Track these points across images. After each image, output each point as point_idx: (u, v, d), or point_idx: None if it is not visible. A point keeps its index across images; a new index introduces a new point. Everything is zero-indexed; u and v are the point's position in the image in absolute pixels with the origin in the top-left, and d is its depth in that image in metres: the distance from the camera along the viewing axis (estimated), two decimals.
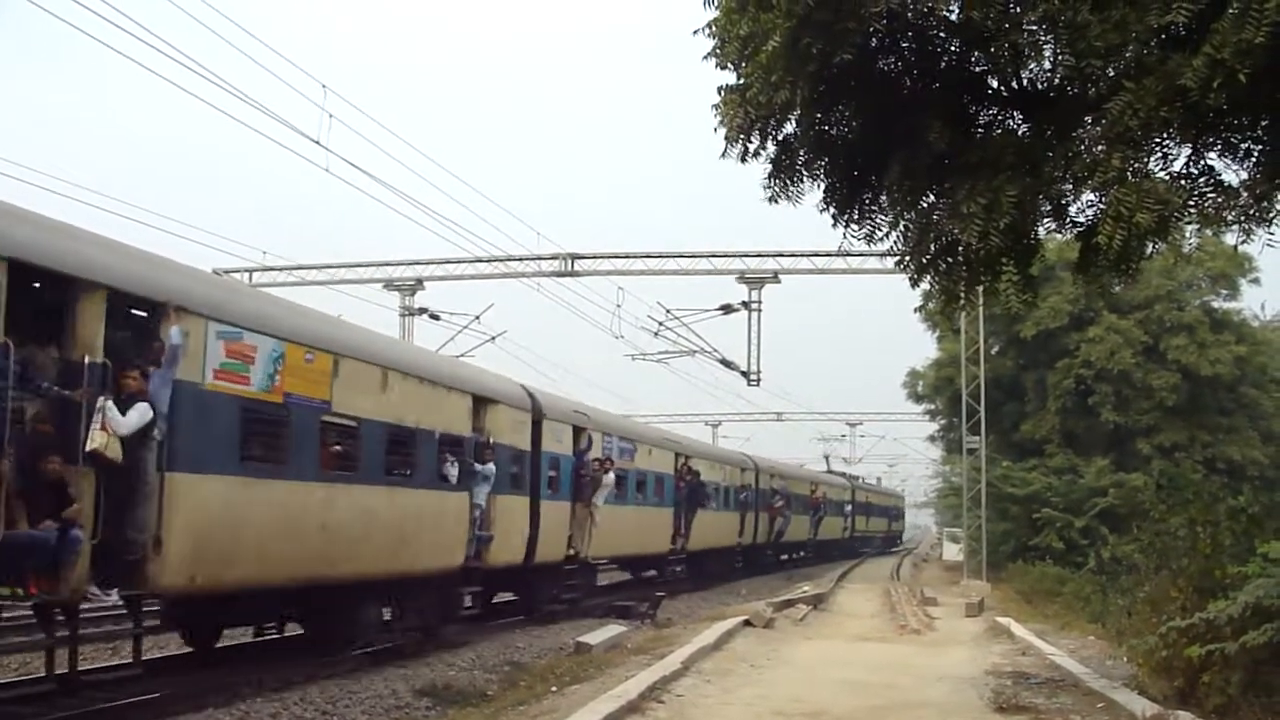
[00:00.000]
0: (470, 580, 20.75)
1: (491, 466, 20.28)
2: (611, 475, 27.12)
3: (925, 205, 11.02)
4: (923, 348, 62.34)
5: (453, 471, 19.25)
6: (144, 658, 13.38)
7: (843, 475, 73.07)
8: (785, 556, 53.98)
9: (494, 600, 25.02)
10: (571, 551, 25.67)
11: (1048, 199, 10.30)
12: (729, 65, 10.51)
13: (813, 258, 33.40)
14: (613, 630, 20.50)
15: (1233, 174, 9.61)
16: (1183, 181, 9.37)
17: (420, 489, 18.23)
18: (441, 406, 19.12)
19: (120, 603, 12.31)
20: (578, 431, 26.25)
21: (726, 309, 35.61)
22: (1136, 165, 8.96)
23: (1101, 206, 9.29)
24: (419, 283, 38.02)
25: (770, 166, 11.32)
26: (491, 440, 20.76)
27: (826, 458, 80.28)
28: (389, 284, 38.07)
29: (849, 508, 68.18)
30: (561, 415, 25.49)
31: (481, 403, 20.91)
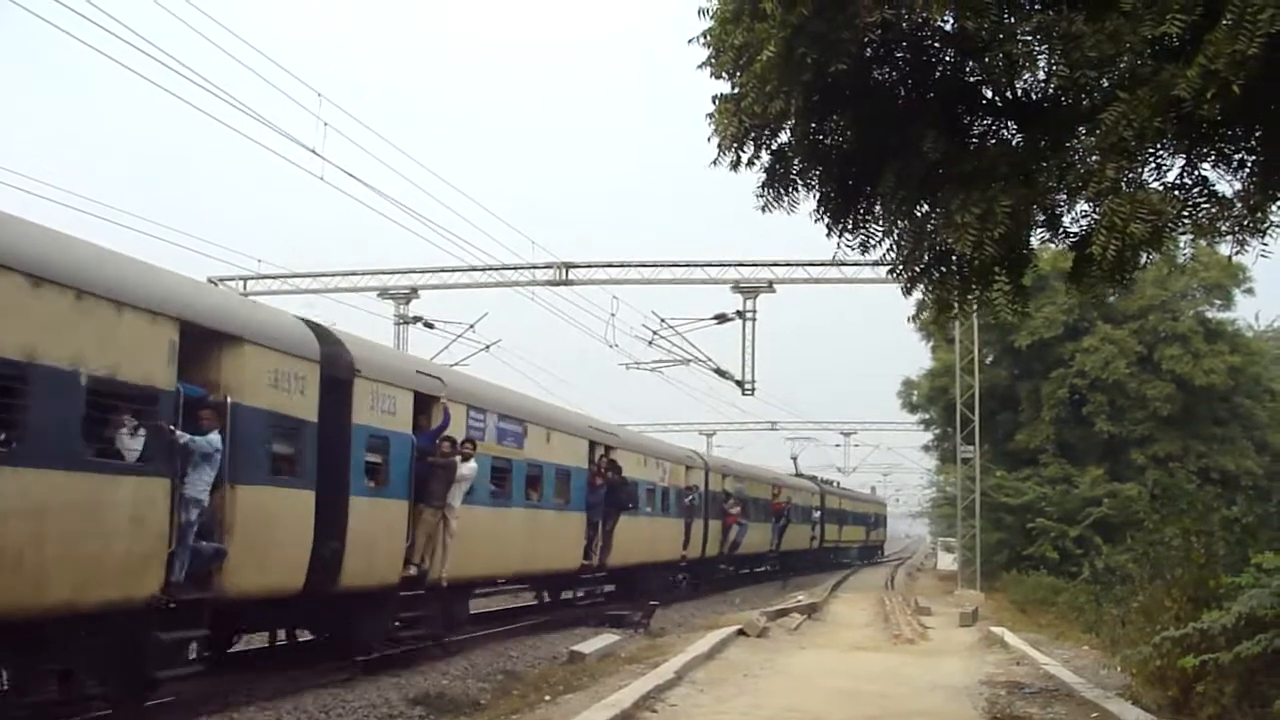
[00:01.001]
0: (179, 621, 12.97)
1: (215, 438, 13.11)
2: (471, 465, 19.38)
3: (919, 215, 11.00)
4: (918, 357, 62.48)
5: (130, 442, 12.26)
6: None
7: (812, 479, 65.52)
8: (746, 570, 48.34)
9: (231, 647, 17.53)
10: (413, 571, 18.39)
11: (1041, 209, 10.29)
12: (723, 75, 10.51)
13: (807, 267, 33.40)
14: (606, 639, 20.53)
15: (1227, 185, 9.61)
16: (1177, 192, 9.37)
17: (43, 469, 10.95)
18: (98, 332, 11.64)
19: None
20: (423, 401, 18.98)
21: (721, 318, 35.61)
22: (1130, 176, 8.96)
23: (1095, 217, 9.29)
24: (414, 291, 37.98)
25: (764, 175, 11.32)
26: (229, 399, 13.72)
27: (794, 459, 70.59)
28: (384, 292, 38.03)
29: (817, 514, 60.33)
30: (392, 375, 18.33)
31: (204, 337, 13.52)
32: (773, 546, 50.13)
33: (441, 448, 18.85)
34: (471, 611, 23.24)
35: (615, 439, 30.13)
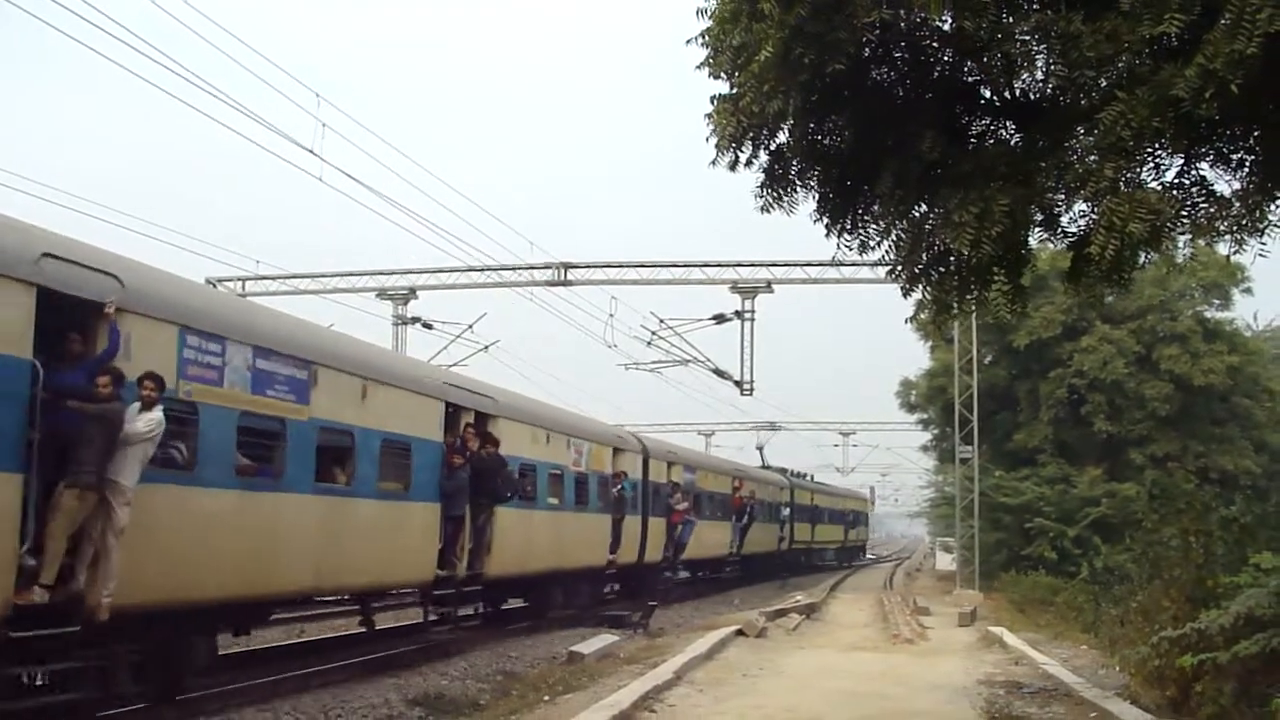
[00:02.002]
0: None
1: None
2: (153, 417, 11.75)
3: (917, 215, 11.01)
4: (917, 357, 62.43)
5: None
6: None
7: (781, 471, 58.23)
8: (701, 574, 42.27)
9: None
10: (37, 597, 10.89)
11: (1040, 209, 10.29)
12: (721, 75, 10.51)
13: (805, 267, 33.42)
14: (605, 639, 20.52)
15: (1225, 184, 9.62)
16: (1175, 191, 9.38)
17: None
18: None
19: None
20: (68, 310, 11.61)
21: (719, 319, 35.65)
22: (1129, 175, 8.97)
23: (1094, 216, 9.29)
24: (412, 292, 38.00)
25: (763, 176, 11.32)
26: None
27: (760, 450, 63.25)
28: (382, 293, 38.04)
29: (785, 511, 53.04)
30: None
31: None
32: (733, 549, 42.97)
33: (100, 388, 11.43)
34: (225, 652, 16.37)
35: (491, 404, 22.09)
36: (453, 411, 20.08)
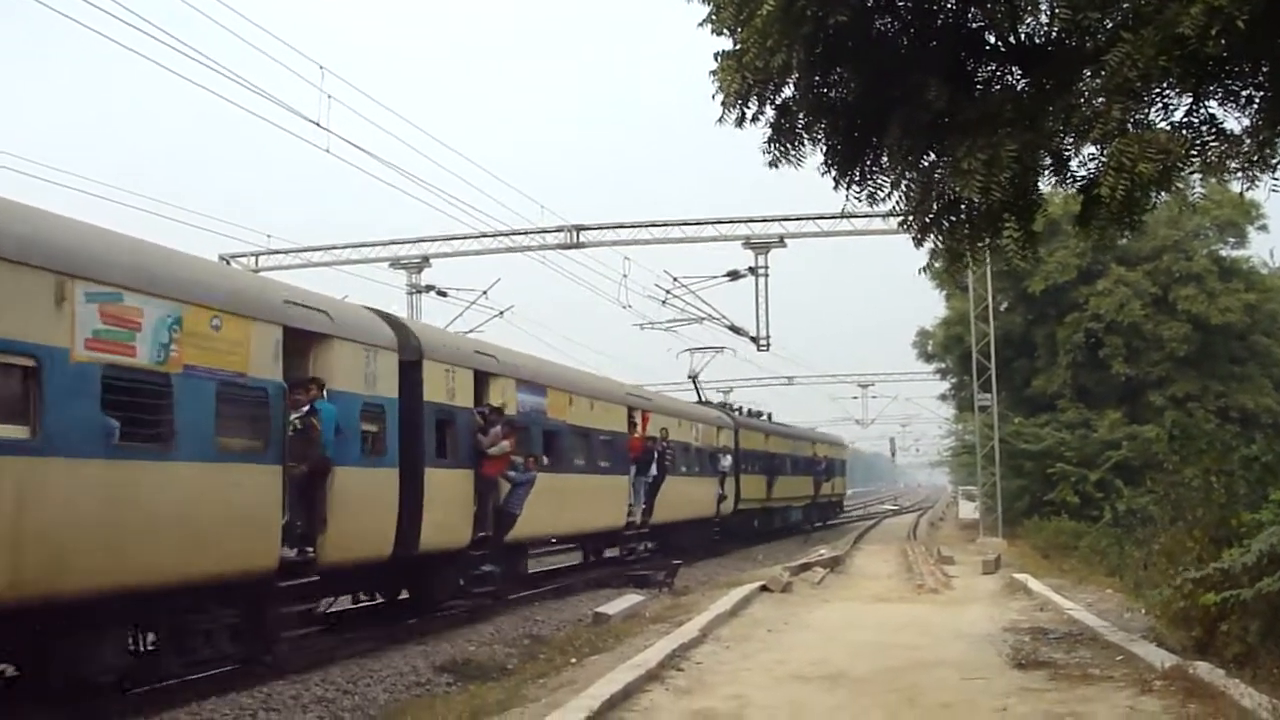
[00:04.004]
0: None
1: None
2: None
3: (926, 164, 10.99)
4: (933, 305, 62.11)
5: None
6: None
7: (722, 407, 45.45)
8: (567, 564, 30.67)
9: None
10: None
11: (1048, 153, 10.26)
12: (724, 31, 10.47)
13: (818, 220, 33.34)
14: (630, 599, 20.59)
15: (1234, 121, 9.57)
16: (1184, 131, 9.33)
17: None
18: None
19: None
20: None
21: (733, 275, 35.62)
22: (1137, 116, 8.93)
23: (1103, 159, 9.27)
24: (425, 260, 38.02)
25: (770, 131, 11.30)
26: None
27: (694, 380, 46.62)
28: (395, 262, 38.06)
29: (727, 460, 39.29)
30: None
31: None
32: (633, 516, 29.59)
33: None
34: None
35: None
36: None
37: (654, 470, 30.48)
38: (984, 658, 13.53)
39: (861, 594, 22.18)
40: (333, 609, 18.65)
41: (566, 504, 24.25)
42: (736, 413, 45.94)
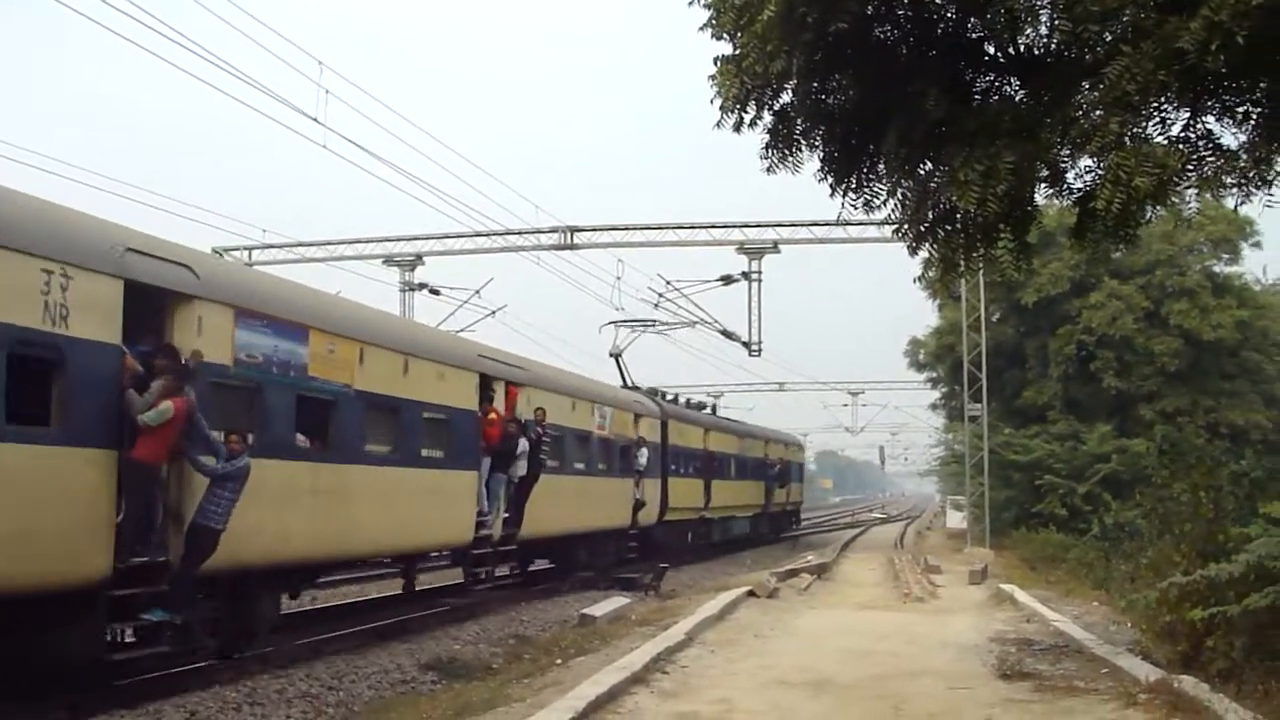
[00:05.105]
0: None
1: None
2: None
3: (923, 173, 11.01)
4: (926, 315, 62.03)
5: None
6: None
7: (653, 394, 35.99)
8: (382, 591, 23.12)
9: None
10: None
11: (1045, 165, 10.27)
12: (724, 35, 10.49)
13: (811, 227, 33.45)
14: (617, 602, 20.59)
15: (1231, 137, 9.59)
16: (1181, 145, 9.35)
17: None
18: None
19: None
20: None
21: (727, 279, 35.65)
22: (1134, 130, 8.94)
23: (1100, 172, 9.28)
24: (419, 258, 38.10)
25: (767, 136, 11.31)
26: None
27: (617, 359, 36.48)
28: (389, 259, 38.10)
29: (645, 457, 30.80)
30: None
31: None
32: (491, 529, 20.86)
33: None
34: None
35: None
36: None
37: (523, 465, 22.05)
38: (970, 667, 13.54)
39: (848, 601, 22.18)
40: (322, 604, 18.65)
41: (355, 510, 16.35)
42: (672, 402, 38.49)
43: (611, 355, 36.44)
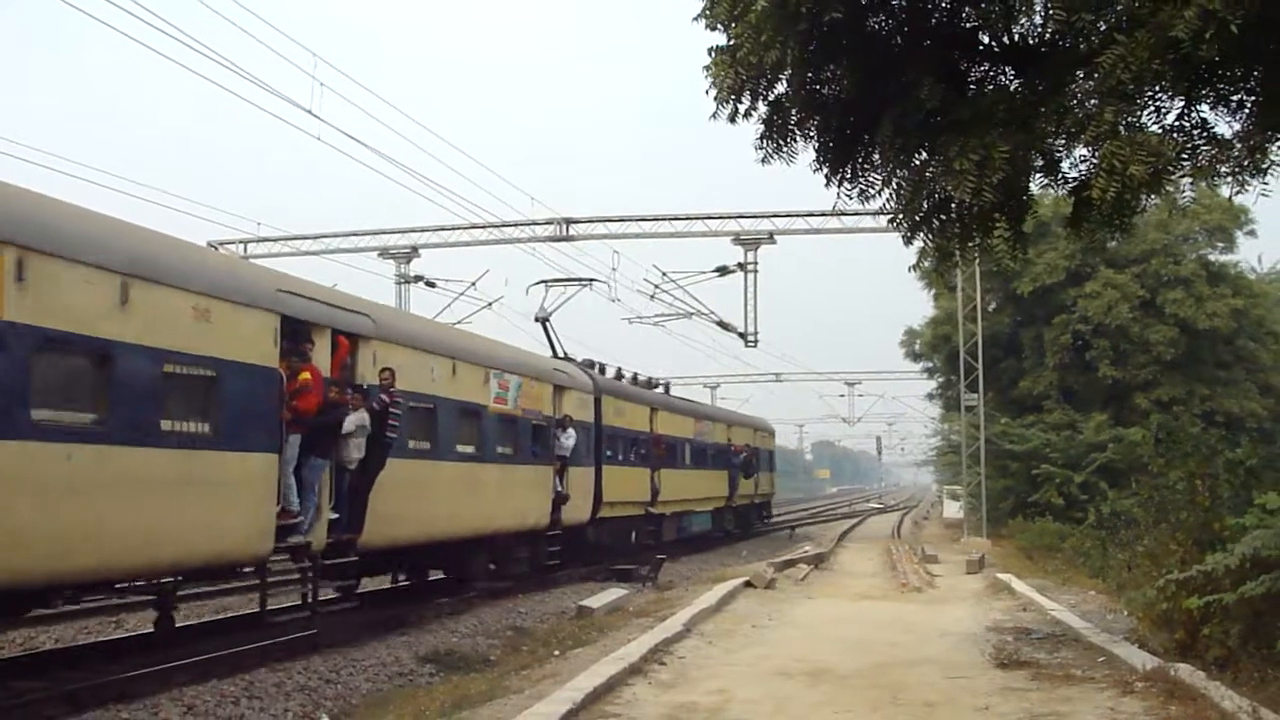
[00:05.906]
0: None
1: None
2: None
3: (918, 163, 10.99)
4: (921, 305, 62.06)
5: None
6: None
7: (588, 366, 30.12)
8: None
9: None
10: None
11: (1040, 154, 10.28)
12: (718, 26, 10.47)
13: (807, 218, 33.40)
14: (614, 593, 20.62)
15: (1226, 126, 9.59)
16: (1176, 134, 9.35)
17: None
18: None
19: None
20: None
21: (722, 270, 35.63)
22: (1129, 118, 8.94)
23: (1094, 161, 9.27)
24: (414, 250, 38.02)
25: (762, 127, 11.30)
26: None
27: (544, 323, 30.55)
28: (384, 252, 38.04)
29: (569, 441, 25.21)
30: None
31: None
32: (305, 534, 14.87)
33: None
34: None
35: None
36: None
37: (358, 446, 16.02)
38: (967, 657, 13.56)
39: (845, 591, 22.20)
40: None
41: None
42: (616, 378, 32.19)
43: (538, 320, 30.63)
